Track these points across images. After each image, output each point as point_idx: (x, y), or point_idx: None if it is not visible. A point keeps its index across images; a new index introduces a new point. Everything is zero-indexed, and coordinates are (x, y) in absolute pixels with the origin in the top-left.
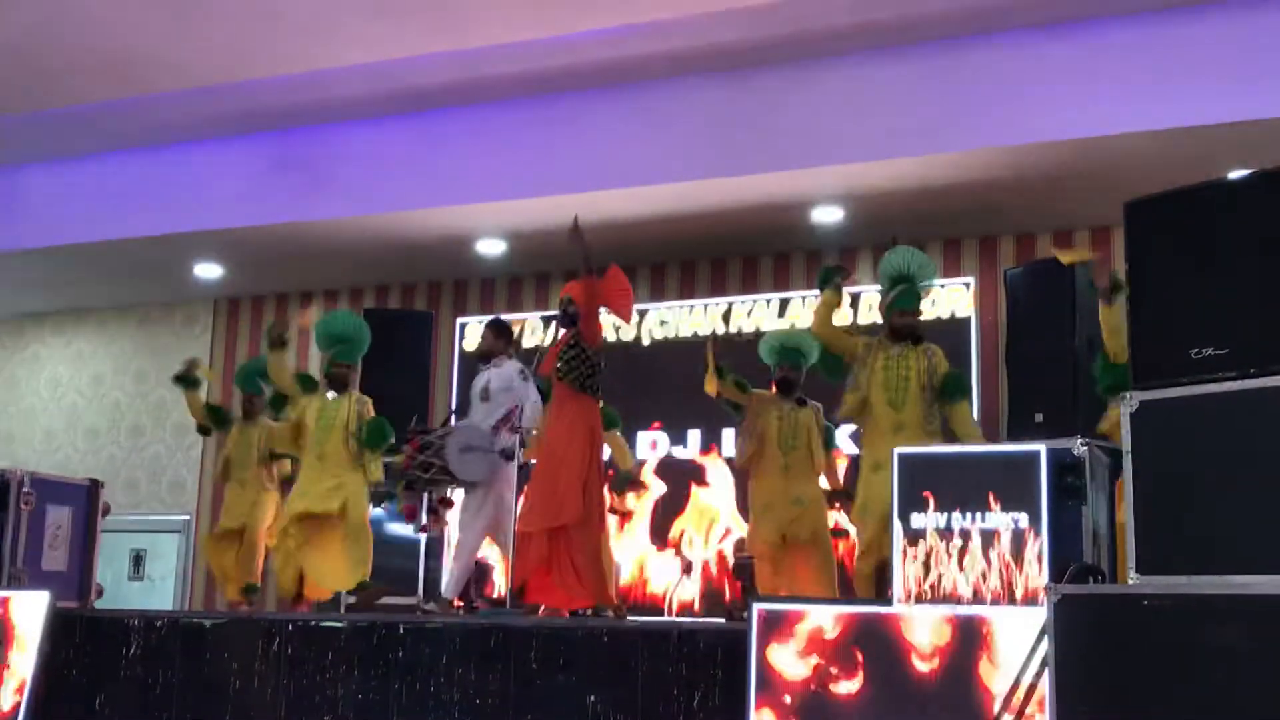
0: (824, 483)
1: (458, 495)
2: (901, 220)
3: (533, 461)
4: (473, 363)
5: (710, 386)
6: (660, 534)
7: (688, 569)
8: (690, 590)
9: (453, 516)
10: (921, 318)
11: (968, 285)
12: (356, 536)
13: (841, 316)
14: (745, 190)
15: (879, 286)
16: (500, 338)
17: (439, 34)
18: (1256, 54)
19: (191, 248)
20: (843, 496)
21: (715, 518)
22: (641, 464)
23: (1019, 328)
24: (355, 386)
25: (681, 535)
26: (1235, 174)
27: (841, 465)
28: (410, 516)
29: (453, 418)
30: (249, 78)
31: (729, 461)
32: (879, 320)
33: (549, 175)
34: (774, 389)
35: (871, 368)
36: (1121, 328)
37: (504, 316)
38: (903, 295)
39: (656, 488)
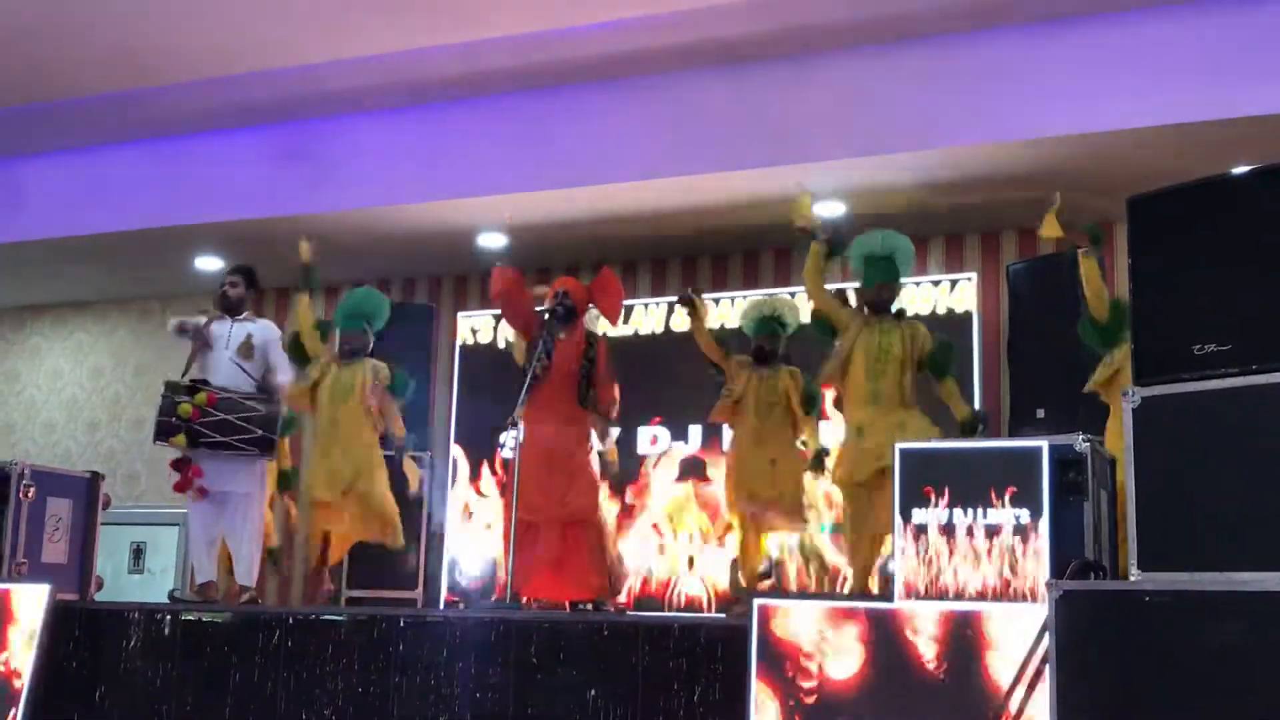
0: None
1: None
2: (903, 216)
3: (509, 452)
4: (474, 357)
5: (702, 329)
6: (661, 529)
7: (689, 564)
8: (691, 585)
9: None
10: (900, 292)
11: (969, 280)
12: (381, 513)
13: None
14: (746, 184)
15: (854, 263)
16: (252, 288)
17: (441, 27)
18: (1260, 49)
19: (192, 240)
20: (818, 459)
21: (717, 513)
22: (643, 459)
23: (1021, 323)
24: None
25: (682, 530)
26: (1238, 170)
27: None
28: (183, 483)
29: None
30: (249, 70)
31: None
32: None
33: (550, 169)
34: (752, 357)
35: (855, 337)
36: (1098, 282)
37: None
38: (877, 268)
39: (657, 484)
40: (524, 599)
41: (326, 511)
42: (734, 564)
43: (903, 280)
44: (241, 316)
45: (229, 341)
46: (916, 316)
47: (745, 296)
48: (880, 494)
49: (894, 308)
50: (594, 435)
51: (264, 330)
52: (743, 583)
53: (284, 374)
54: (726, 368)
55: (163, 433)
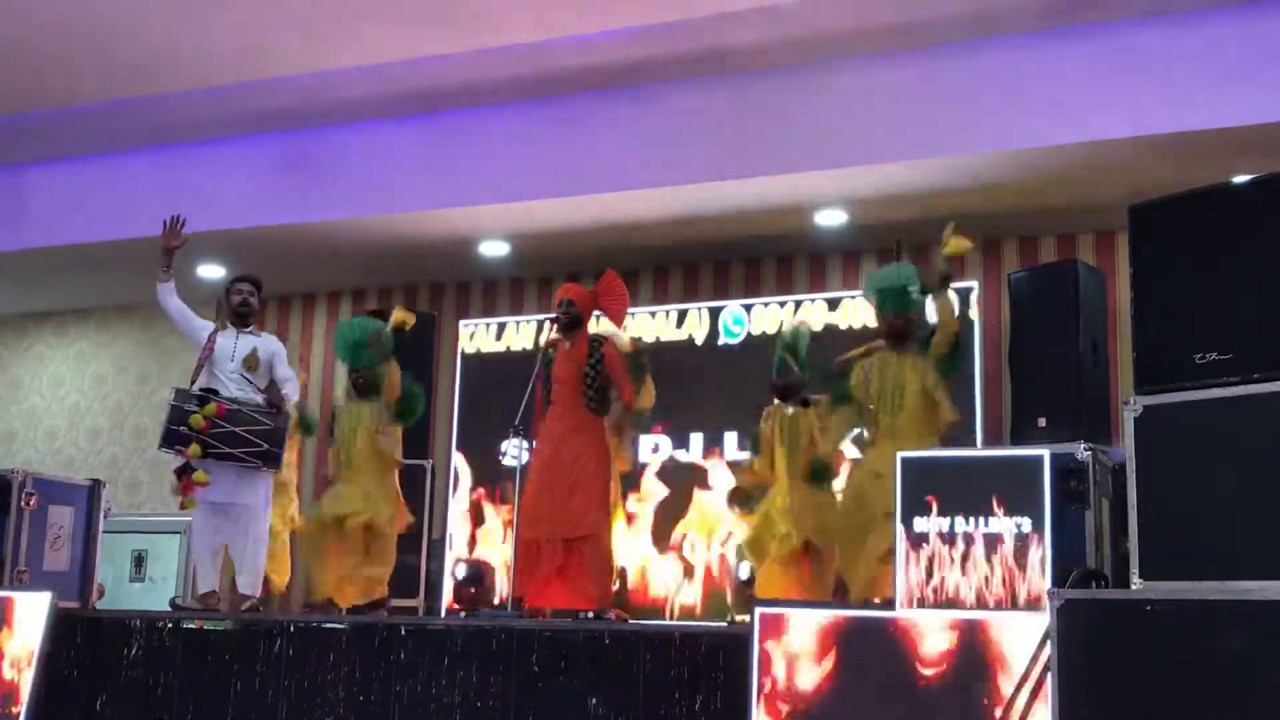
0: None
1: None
2: (905, 224)
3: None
4: (476, 365)
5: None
6: (662, 537)
7: (689, 573)
8: (692, 594)
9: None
10: (916, 320)
11: (970, 289)
12: (382, 552)
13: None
14: (749, 193)
15: (867, 298)
16: (258, 299)
17: (444, 36)
18: (1262, 58)
19: (195, 248)
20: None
21: (717, 521)
22: (644, 468)
23: (1022, 331)
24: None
25: (683, 539)
26: (1240, 179)
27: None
28: (187, 487)
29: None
30: (253, 79)
31: (731, 465)
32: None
33: (552, 177)
34: (773, 393)
35: (869, 377)
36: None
37: (509, 319)
38: (895, 297)
39: (659, 491)
40: (526, 608)
41: (332, 543)
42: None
43: (917, 304)
44: (248, 329)
45: (234, 354)
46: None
47: (747, 304)
48: (881, 530)
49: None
50: (610, 440)
51: (269, 343)
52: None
53: (291, 387)
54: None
55: (170, 440)
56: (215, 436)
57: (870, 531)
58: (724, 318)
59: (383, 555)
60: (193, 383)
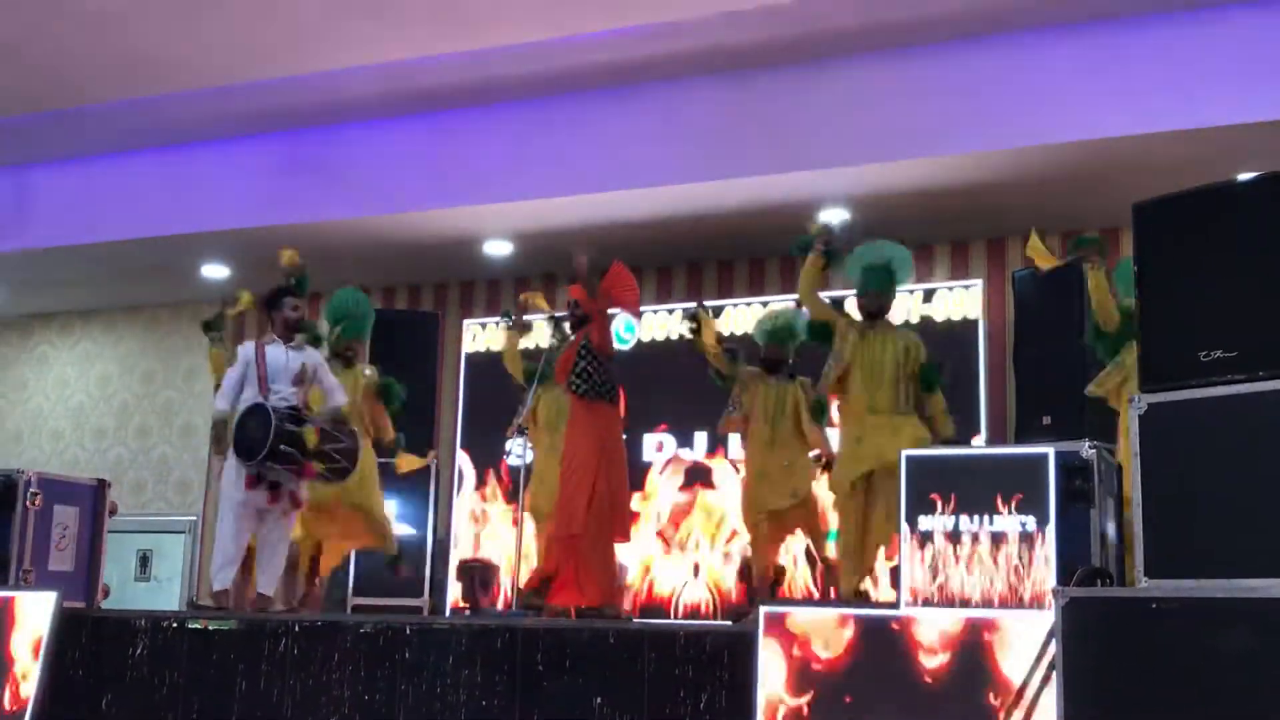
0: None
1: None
2: (908, 222)
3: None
4: (479, 364)
5: (708, 340)
6: (666, 536)
7: (695, 571)
8: (697, 592)
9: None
10: (894, 300)
11: (975, 287)
12: (370, 510)
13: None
14: (752, 192)
15: (850, 273)
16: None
17: (447, 35)
18: (1265, 56)
19: (199, 248)
20: (829, 464)
21: (722, 520)
22: (648, 466)
23: (1027, 330)
24: (363, 361)
25: (688, 537)
26: (1244, 176)
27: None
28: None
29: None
30: (257, 78)
31: (735, 464)
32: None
33: (556, 176)
34: (761, 367)
35: (853, 350)
36: (1104, 294)
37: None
38: (873, 276)
39: (663, 489)
40: (542, 603)
41: (319, 517)
42: (744, 568)
43: (899, 289)
44: (292, 343)
45: (286, 369)
46: (922, 321)
47: (751, 303)
48: (872, 497)
49: (887, 316)
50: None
51: (312, 355)
52: (754, 583)
53: (340, 395)
54: (735, 376)
55: (284, 459)
56: (335, 451)
57: (859, 516)
58: (615, 326)
59: (379, 521)
60: (265, 396)
